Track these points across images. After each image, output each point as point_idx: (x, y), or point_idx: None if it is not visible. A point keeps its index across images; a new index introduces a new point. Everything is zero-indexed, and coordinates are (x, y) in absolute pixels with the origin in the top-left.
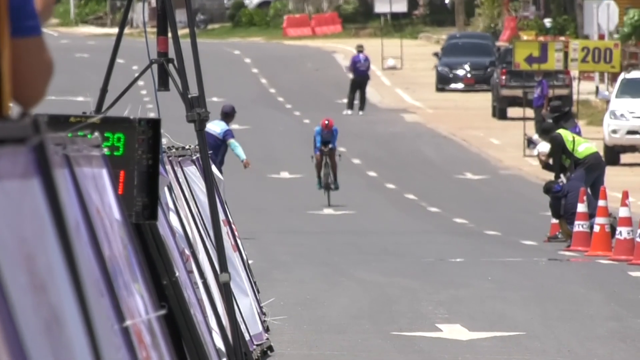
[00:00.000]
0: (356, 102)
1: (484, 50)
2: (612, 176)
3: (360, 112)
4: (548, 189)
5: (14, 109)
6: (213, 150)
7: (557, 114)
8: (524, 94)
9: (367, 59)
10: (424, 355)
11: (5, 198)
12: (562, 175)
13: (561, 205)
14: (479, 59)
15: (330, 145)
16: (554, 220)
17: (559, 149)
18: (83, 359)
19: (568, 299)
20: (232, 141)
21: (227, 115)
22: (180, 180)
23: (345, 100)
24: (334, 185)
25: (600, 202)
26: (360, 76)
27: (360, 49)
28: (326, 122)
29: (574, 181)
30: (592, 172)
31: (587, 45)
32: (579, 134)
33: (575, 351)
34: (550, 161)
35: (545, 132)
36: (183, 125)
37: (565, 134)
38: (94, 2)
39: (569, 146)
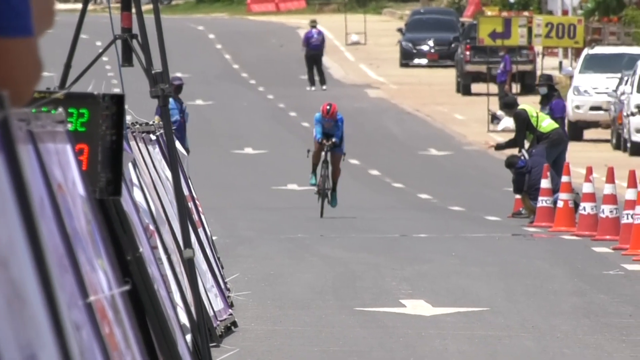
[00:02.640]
0: (317, 78)
1: (448, 26)
2: (576, 152)
3: (324, 87)
4: (510, 163)
5: None
6: (176, 127)
7: (550, 84)
8: (488, 69)
9: (320, 33)
10: (388, 331)
11: None
12: (523, 151)
13: (525, 180)
14: (443, 35)
15: (333, 139)
16: (518, 196)
17: (524, 125)
18: (45, 336)
19: (532, 274)
20: (181, 114)
21: (177, 88)
22: (144, 156)
23: (305, 77)
24: (330, 198)
25: (564, 178)
26: (313, 51)
27: (313, 24)
28: (327, 106)
29: (537, 157)
30: (555, 147)
31: (550, 20)
32: (563, 109)
33: (539, 326)
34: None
35: (507, 106)
36: (147, 101)
37: (529, 109)
38: None
39: (533, 122)
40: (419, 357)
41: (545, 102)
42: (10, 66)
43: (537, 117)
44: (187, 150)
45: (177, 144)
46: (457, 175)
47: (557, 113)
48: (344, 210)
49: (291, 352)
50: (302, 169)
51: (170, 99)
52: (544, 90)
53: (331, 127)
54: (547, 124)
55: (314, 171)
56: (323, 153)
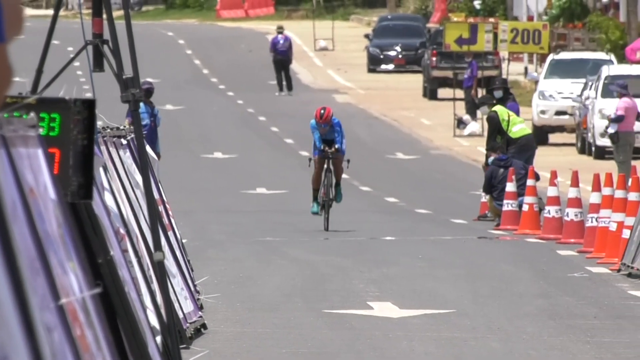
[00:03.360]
0: (285, 82)
1: (415, 32)
2: (541, 156)
3: (290, 93)
4: (482, 102)
5: None
6: (147, 132)
7: (505, 87)
8: (454, 75)
9: (286, 39)
10: (355, 332)
11: None
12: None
13: (497, 176)
14: (410, 41)
15: (336, 146)
16: (484, 199)
17: (496, 128)
18: (17, 338)
19: (497, 277)
20: (152, 118)
21: (148, 92)
22: (115, 160)
23: (274, 82)
24: (335, 193)
25: (529, 182)
26: (281, 56)
27: (280, 30)
28: (321, 110)
29: (515, 160)
30: (523, 152)
31: (516, 26)
32: (517, 112)
33: (505, 328)
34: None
35: (483, 103)
36: (118, 106)
37: (501, 112)
38: None
39: (504, 125)
40: (386, 358)
41: (500, 105)
42: None
43: (509, 120)
44: (158, 155)
45: (148, 148)
46: (424, 179)
47: None
48: (316, 219)
49: (260, 353)
50: (271, 172)
51: (140, 103)
52: (499, 93)
53: (328, 132)
54: (517, 129)
55: (315, 198)
56: (325, 163)
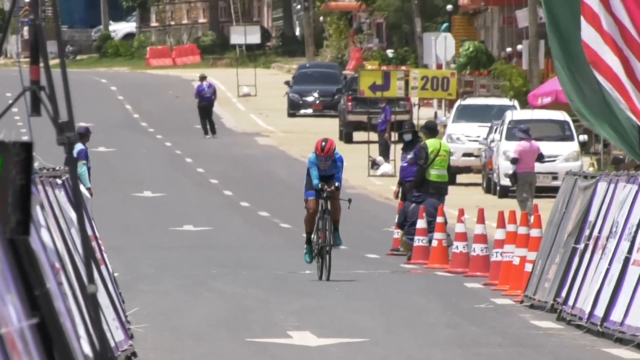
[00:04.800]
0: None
1: (332, 79)
2: (450, 195)
3: (214, 136)
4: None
5: None
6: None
7: (414, 130)
8: (368, 119)
9: (210, 86)
10: None
11: None
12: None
13: (408, 211)
14: (327, 87)
15: (336, 184)
16: (396, 235)
17: (426, 157)
18: None
19: (409, 308)
20: (82, 163)
21: (82, 136)
22: (51, 198)
23: (199, 126)
24: (334, 238)
25: (439, 219)
26: (205, 102)
27: (203, 77)
28: (322, 142)
29: (430, 198)
30: (437, 194)
31: (426, 74)
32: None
33: (415, 356)
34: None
35: (429, 130)
36: (54, 148)
37: (432, 148)
38: None
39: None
40: None
41: (409, 147)
42: None
43: (433, 160)
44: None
45: (82, 188)
46: (341, 217)
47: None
48: (235, 249)
49: None
50: (198, 211)
51: (83, 146)
52: (408, 137)
53: (328, 166)
54: (435, 172)
55: (308, 242)
56: (322, 202)
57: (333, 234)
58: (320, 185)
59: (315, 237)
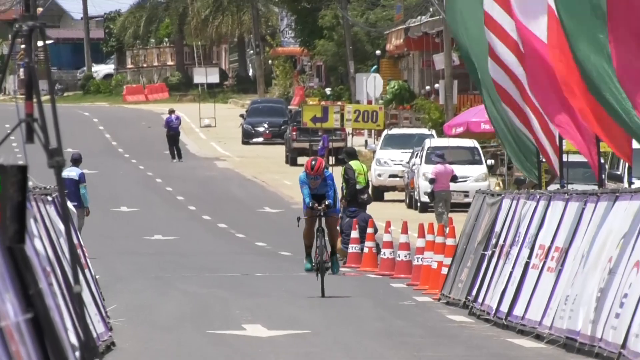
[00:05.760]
0: (176, 152)
1: (279, 112)
2: (378, 210)
3: (181, 160)
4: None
5: None
6: (72, 191)
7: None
8: (310, 146)
9: (177, 118)
10: (232, 349)
11: None
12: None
13: (344, 224)
14: (275, 119)
15: (327, 202)
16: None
17: (353, 176)
18: None
19: (344, 304)
20: (83, 186)
21: (76, 161)
22: (43, 213)
23: (168, 152)
24: (332, 265)
25: (369, 230)
26: (173, 132)
27: (171, 111)
28: (312, 161)
29: (362, 212)
30: (363, 207)
31: (358, 108)
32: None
33: (350, 345)
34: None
35: (349, 154)
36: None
37: (357, 169)
38: None
39: (360, 181)
40: None
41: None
42: None
43: (362, 174)
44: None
45: (69, 203)
46: (286, 228)
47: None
48: (198, 255)
49: None
50: (166, 223)
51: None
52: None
53: (319, 186)
54: (357, 187)
55: (308, 255)
56: (315, 222)
57: (330, 258)
58: (311, 203)
59: (311, 254)
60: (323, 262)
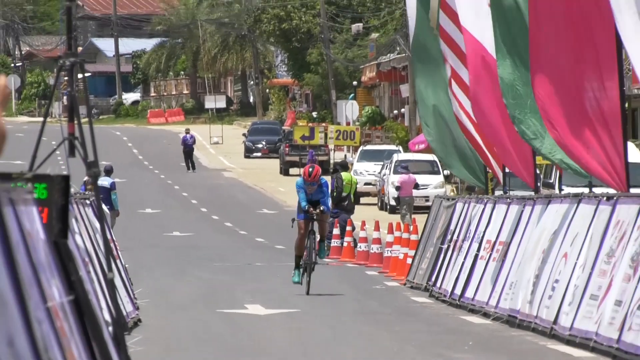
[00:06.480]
0: (190, 165)
1: (274, 132)
2: (355, 211)
3: (194, 171)
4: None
5: None
6: (105, 196)
7: (336, 168)
8: (299, 159)
9: (192, 137)
10: (236, 324)
11: None
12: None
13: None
14: (271, 137)
15: (321, 207)
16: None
17: (341, 186)
18: (19, 327)
19: (328, 288)
20: (114, 192)
21: (109, 171)
22: (82, 213)
23: (184, 164)
24: (319, 249)
25: (348, 228)
26: (188, 148)
27: (187, 131)
28: (309, 169)
29: (343, 213)
30: (346, 212)
31: (339, 128)
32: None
33: (332, 321)
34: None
35: (342, 166)
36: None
37: (346, 180)
38: (27, 101)
39: (346, 190)
40: (256, 340)
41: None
42: None
43: (350, 185)
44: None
45: (103, 206)
46: (281, 226)
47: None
48: (209, 248)
49: (177, 334)
50: (182, 222)
51: (109, 178)
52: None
53: (315, 192)
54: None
55: (297, 267)
56: (309, 225)
57: (319, 244)
58: (307, 207)
59: (300, 265)
60: (311, 262)
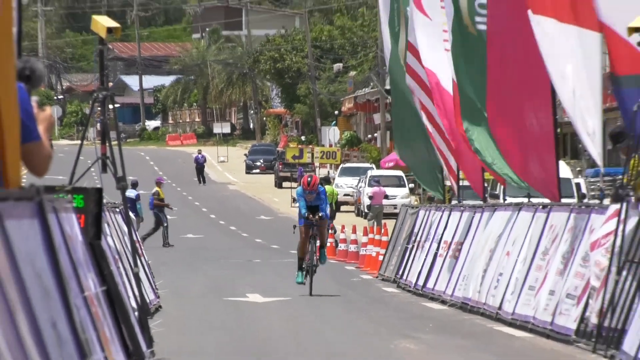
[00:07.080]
0: (202, 180)
1: (270, 152)
2: (337, 218)
3: (204, 185)
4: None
5: (27, 181)
6: (131, 206)
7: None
8: (290, 175)
9: (203, 157)
10: (241, 310)
11: (21, 229)
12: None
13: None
14: (268, 157)
15: (320, 214)
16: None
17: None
18: (61, 312)
19: (316, 281)
20: (139, 203)
21: (134, 185)
22: (112, 219)
23: (196, 179)
24: (320, 255)
25: (331, 231)
26: (200, 166)
27: (199, 151)
28: (308, 178)
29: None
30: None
31: (323, 150)
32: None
33: (319, 308)
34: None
35: (325, 180)
36: (114, 192)
37: (328, 189)
38: (67, 127)
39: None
40: (255, 324)
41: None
42: (34, 157)
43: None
44: (141, 218)
45: (130, 213)
46: (276, 229)
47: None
48: (216, 249)
49: (193, 317)
50: (195, 226)
51: (134, 190)
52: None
53: (314, 199)
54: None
55: (300, 268)
56: (310, 230)
57: (319, 251)
58: (307, 214)
59: (303, 268)
60: (312, 265)
